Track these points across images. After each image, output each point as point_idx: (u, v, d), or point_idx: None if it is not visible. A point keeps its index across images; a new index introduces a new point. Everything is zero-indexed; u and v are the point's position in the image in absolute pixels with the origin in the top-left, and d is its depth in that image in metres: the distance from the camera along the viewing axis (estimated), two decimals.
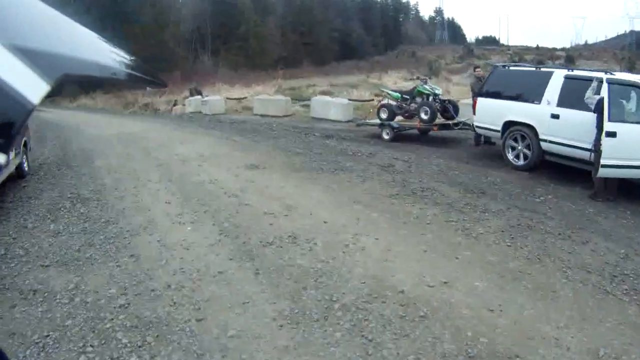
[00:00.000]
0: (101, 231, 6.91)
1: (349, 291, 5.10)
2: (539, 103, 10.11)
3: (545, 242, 6.60)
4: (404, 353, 4.09)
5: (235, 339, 4.31)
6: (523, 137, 10.47)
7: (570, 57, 46.47)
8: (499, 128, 10.97)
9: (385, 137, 14.23)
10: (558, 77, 10.03)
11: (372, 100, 20.72)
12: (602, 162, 8.19)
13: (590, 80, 8.96)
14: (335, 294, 5.04)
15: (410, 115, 14.56)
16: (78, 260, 5.94)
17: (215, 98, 24.40)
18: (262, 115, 20.73)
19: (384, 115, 14.45)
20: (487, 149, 12.73)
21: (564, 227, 7.16)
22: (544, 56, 46.86)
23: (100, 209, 7.85)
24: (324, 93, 25.14)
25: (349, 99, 21.15)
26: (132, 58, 1.04)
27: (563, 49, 64.63)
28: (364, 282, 5.27)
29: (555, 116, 9.76)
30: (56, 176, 10.11)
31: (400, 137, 14.22)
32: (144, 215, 7.53)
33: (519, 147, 10.59)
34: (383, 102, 15.11)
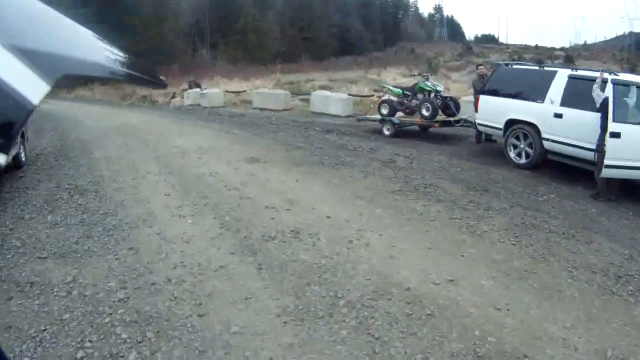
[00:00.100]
0: (99, 223, 6.82)
1: (354, 288, 5.03)
2: (542, 102, 10.06)
3: (549, 241, 6.56)
4: (412, 352, 4.03)
5: (238, 336, 4.23)
6: (525, 136, 10.42)
7: (569, 56, 46.46)
8: (501, 126, 10.92)
9: (386, 132, 14.16)
10: (562, 77, 9.98)
11: (372, 95, 20.61)
12: (606, 162, 8.16)
13: (594, 80, 8.90)
14: (340, 290, 4.97)
15: (411, 111, 14.50)
16: (76, 253, 5.85)
17: (214, 91, 24.29)
18: (261, 109, 20.64)
19: (385, 111, 14.39)
20: (488, 146, 12.67)
21: (568, 227, 7.12)
22: (543, 55, 46.84)
23: (98, 201, 7.76)
24: (322, 88, 25.08)
25: (349, 94, 21.05)
26: (131, 58, 1.05)
27: (562, 49, 64.52)
28: (369, 279, 5.21)
29: (558, 115, 9.72)
30: (54, 167, 10.01)
31: (400, 133, 14.14)
32: (143, 208, 7.44)
33: (521, 146, 10.54)
34: (384, 97, 15.01)
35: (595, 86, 8.58)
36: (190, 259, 5.68)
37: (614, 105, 8.19)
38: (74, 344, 4.07)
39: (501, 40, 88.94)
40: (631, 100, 8.48)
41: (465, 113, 13.84)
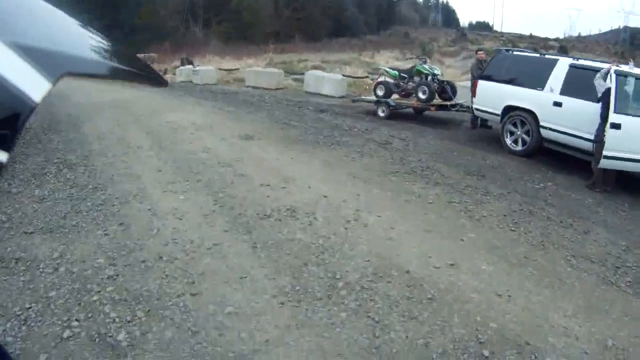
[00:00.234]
0: (88, 198, 6.62)
1: (352, 269, 4.94)
2: (542, 90, 9.96)
3: (547, 229, 6.52)
4: (413, 336, 3.95)
5: (233, 316, 4.12)
6: (523, 123, 10.33)
7: (563, 47, 46.38)
8: (499, 112, 10.82)
9: (381, 114, 14.02)
10: (563, 65, 9.88)
11: (367, 77, 20.46)
12: (605, 153, 8.09)
13: (595, 70, 8.81)
14: (338, 271, 4.87)
15: (407, 94, 14.37)
16: (64, 228, 5.66)
17: (207, 68, 24.03)
18: (253, 87, 20.41)
19: (380, 93, 14.21)
20: (484, 132, 12.59)
21: (565, 216, 7.09)
22: (537, 45, 46.64)
23: (87, 175, 7.54)
24: (315, 68, 24.85)
25: (343, 75, 20.88)
26: (133, 57, 1.09)
27: (556, 39, 64.39)
28: (368, 260, 5.12)
29: (557, 104, 9.63)
30: (42, 141, 9.76)
31: (395, 115, 14.00)
32: (134, 183, 7.25)
33: (518, 133, 10.45)
34: (380, 79, 14.84)
35: (598, 75, 8.49)
36: (183, 235, 5.53)
37: (616, 96, 8.11)
38: (60, 322, 3.92)
39: (495, 28, 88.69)
40: (634, 92, 8.43)
41: (461, 98, 13.73)
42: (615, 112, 8.08)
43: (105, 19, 36.49)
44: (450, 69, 26.97)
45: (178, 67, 26.09)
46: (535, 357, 3.89)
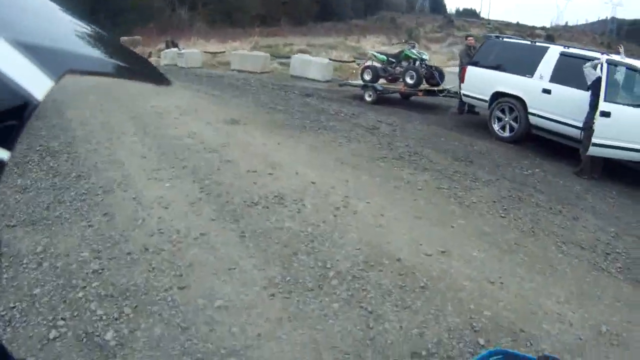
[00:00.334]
0: (72, 187, 6.42)
1: (343, 258, 4.86)
2: (531, 77, 9.93)
3: (537, 215, 6.52)
4: (407, 326, 3.89)
5: (223, 310, 4.01)
6: (511, 109, 10.30)
7: (550, 36, 46.44)
8: (487, 98, 10.78)
9: (368, 99, 13.90)
10: (553, 53, 9.86)
11: (353, 61, 20.32)
12: (594, 140, 8.09)
13: (586, 59, 8.79)
14: (329, 260, 4.79)
15: (394, 78, 14.28)
16: (47, 220, 5.47)
17: (192, 51, 23.72)
18: (239, 71, 20.20)
19: (367, 77, 14.09)
20: (471, 118, 12.56)
21: (554, 202, 7.09)
22: (523, 33, 46.69)
23: (70, 163, 7.33)
24: (301, 52, 24.62)
25: (330, 59, 20.74)
26: (137, 55, 1.06)
27: (543, 28, 64.47)
28: (359, 249, 5.05)
29: (546, 91, 9.61)
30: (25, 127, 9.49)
31: (381, 100, 13.89)
32: (118, 171, 7.05)
33: (506, 119, 10.42)
34: (367, 63, 14.72)
35: (589, 64, 8.46)
36: (169, 225, 5.39)
37: (607, 85, 8.11)
38: (45, 322, 3.75)
39: (482, 15, 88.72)
40: (623, 81, 8.44)
41: (448, 83, 13.68)
42: (605, 100, 8.07)
43: (90, 1, 35.91)
44: (437, 55, 26.93)
45: (163, 49, 25.69)
46: (531, 343, 3.87)
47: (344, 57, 23.68)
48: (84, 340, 3.60)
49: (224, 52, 24.91)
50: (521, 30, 54.87)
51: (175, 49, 24.54)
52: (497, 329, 3.96)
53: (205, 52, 24.80)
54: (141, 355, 3.50)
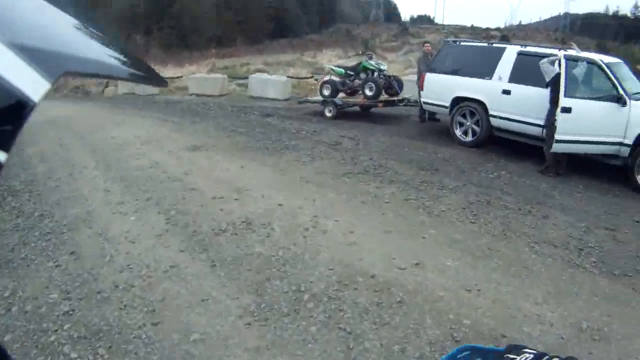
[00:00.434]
0: (36, 226, 6.21)
1: (317, 279, 4.77)
2: (490, 78, 10.00)
3: (507, 217, 6.54)
4: (388, 343, 3.82)
5: (200, 344, 3.88)
6: (472, 113, 10.35)
7: (505, 36, 47.44)
8: (448, 104, 10.81)
9: (328, 114, 13.82)
10: (511, 53, 9.96)
11: (311, 77, 20.33)
12: (557, 137, 8.17)
13: (543, 57, 8.87)
14: (302, 283, 4.70)
15: (353, 91, 14.25)
16: (12, 262, 5.27)
17: None
18: (197, 95, 19.97)
19: (326, 92, 14.03)
20: (432, 125, 12.63)
21: (522, 203, 7.13)
22: (478, 35, 47.61)
23: (33, 202, 7.11)
24: (258, 71, 24.51)
25: (288, 77, 20.70)
26: (132, 56, 1.05)
27: (497, 29, 65.85)
28: (332, 269, 4.96)
29: (506, 92, 9.69)
30: None
31: (342, 114, 13.84)
32: (82, 206, 6.86)
33: (468, 123, 10.47)
34: (326, 78, 14.70)
35: (545, 60, 8.54)
36: (137, 260, 5.23)
37: (566, 80, 8.20)
38: None
39: (437, 20, 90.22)
40: (582, 75, 8.55)
41: (407, 92, 13.73)
42: (565, 96, 8.16)
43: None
44: (394, 64, 27.12)
45: None
46: None
47: (301, 74, 23.68)
48: None
49: (181, 76, 24.68)
50: (476, 32, 55.98)
51: None
52: (478, 337, 3.92)
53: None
54: None
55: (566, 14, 76.11)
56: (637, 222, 6.76)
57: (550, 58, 8.53)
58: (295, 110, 15.51)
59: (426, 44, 14.19)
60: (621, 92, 8.26)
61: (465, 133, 10.56)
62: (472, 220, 6.33)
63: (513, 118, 9.59)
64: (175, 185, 7.55)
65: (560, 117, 8.13)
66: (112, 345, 3.87)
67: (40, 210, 6.73)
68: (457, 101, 10.61)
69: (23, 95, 0.58)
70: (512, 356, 1.07)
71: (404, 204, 6.88)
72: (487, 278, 4.88)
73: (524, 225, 6.31)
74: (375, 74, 13.67)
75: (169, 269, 5.01)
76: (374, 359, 3.68)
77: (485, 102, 10.04)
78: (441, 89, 10.93)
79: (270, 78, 19.64)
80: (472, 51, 11.03)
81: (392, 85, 13.68)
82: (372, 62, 14.00)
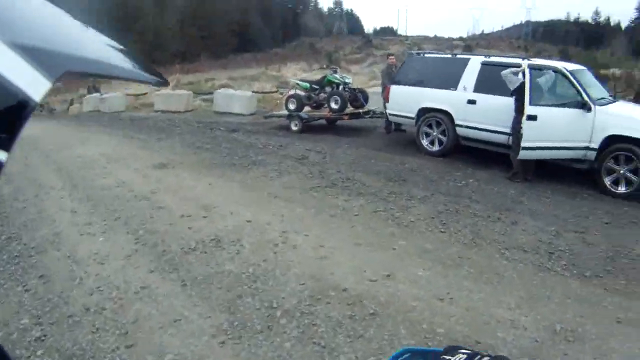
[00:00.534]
0: (3, 250, 6.04)
1: (288, 295, 4.71)
2: (455, 89, 10.11)
3: (476, 225, 6.57)
4: (363, 355, 3.79)
5: None
6: (438, 123, 10.44)
7: (468, 46, 48.20)
8: (414, 115, 10.88)
9: (294, 128, 13.84)
10: (475, 64, 10.09)
11: (276, 91, 20.33)
12: (523, 144, 8.28)
13: (507, 66, 9.00)
14: (274, 299, 4.63)
15: (319, 105, 14.30)
16: None
17: (115, 95, 23.13)
18: (163, 111, 19.82)
19: (292, 106, 14.06)
20: (399, 136, 12.70)
21: (491, 210, 7.18)
22: (442, 46, 48.27)
23: (0, 224, 6.94)
24: (223, 87, 24.43)
25: (253, 91, 20.67)
26: (133, 56, 1.03)
27: (460, 39, 66.89)
28: (303, 284, 4.91)
29: (471, 101, 9.81)
30: None
31: (308, 128, 13.88)
32: (50, 228, 6.71)
33: (434, 134, 10.55)
34: (291, 92, 14.70)
35: (507, 70, 8.65)
36: (107, 282, 5.11)
37: (530, 89, 8.33)
38: None
39: (400, 32, 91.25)
40: (546, 83, 8.69)
41: (372, 104, 13.81)
42: (530, 104, 8.28)
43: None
44: (358, 76, 27.26)
45: (85, 95, 24.99)
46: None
47: (266, 88, 23.71)
48: None
49: (146, 93, 24.45)
50: (439, 43, 56.71)
51: (97, 94, 23.91)
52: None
53: (127, 94, 24.26)
54: None
55: (528, 22, 77.73)
56: (606, 223, 6.86)
57: (512, 69, 8.65)
58: (261, 124, 15.50)
59: (390, 57, 14.29)
60: (586, 98, 8.41)
61: (432, 143, 10.64)
62: (442, 230, 6.35)
63: (479, 127, 9.70)
64: (143, 204, 7.44)
65: (525, 124, 8.24)
66: None
67: (8, 233, 6.56)
68: (423, 112, 10.69)
69: (24, 95, 0.58)
70: (447, 357, 1.08)
71: (373, 215, 6.88)
72: (459, 286, 4.88)
73: (494, 232, 6.35)
74: (341, 87, 13.76)
75: (139, 290, 4.91)
76: None
77: (451, 112, 10.14)
78: (407, 100, 11.00)
79: (235, 93, 19.61)
80: (436, 63, 11.13)
81: (357, 97, 13.78)
82: (337, 76, 14.09)
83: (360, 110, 13.70)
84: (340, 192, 7.92)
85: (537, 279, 5.11)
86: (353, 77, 18.80)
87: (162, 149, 11.61)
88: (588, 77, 9.44)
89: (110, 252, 5.84)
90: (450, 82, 10.24)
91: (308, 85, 14.51)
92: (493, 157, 9.73)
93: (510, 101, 8.77)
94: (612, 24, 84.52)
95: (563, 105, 8.53)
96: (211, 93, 21.44)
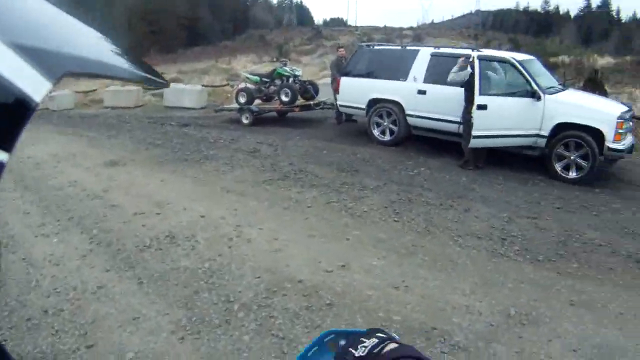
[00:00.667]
0: None
1: (245, 289, 4.70)
2: (405, 80, 10.19)
3: (429, 213, 6.64)
4: None
5: None
6: (389, 114, 10.51)
7: (418, 35, 48.55)
8: (364, 106, 10.94)
9: (245, 121, 13.76)
10: (424, 55, 10.19)
11: (226, 84, 20.14)
12: (474, 133, 8.40)
13: (455, 57, 9.13)
14: (231, 293, 4.61)
15: (269, 98, 14.27)
16: None
17: (63, 92, 22.49)
18: (112, 108, 19.41)
19: (242, 100, 13.97)
20: (350, 126, 12.75)
21: (444, 198, 7.27)
22: (391, 35, 48.48)
23: None
24: (173, 81, 24.06)
25: (202, 85, 20.43)
26: (135, 57, 1.06)
27: (410, 28, 67.30)
28: (259, 277, 4.90)
29: (422, 92, 9.91)
30: None
31: (259, 120, 13.82)
32: (3, 231, 6.53)
33: (385, 124, 10.63)
34: (241, 86, 14.60)
35: (453, 74, 8.75)
36: (64, 283, 5.00)
37: (480, 79, 8.47)
38: None
39: (350, 22, 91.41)
40: (496, 74, 8.87)
41: (323, 96, 13.83)
42: (480, 94, 8.41)
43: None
44: (309, 67, 27.25)
45: None
46: (444, 339, 3.93)
47: (216, 81, 23.43)
48: None
49: (95, 89, 23.88)
50: (389, 33, 56.94)
51: None
52: (409, 332, 3.97)
53: (76, 91, 23.66)
54: None
55: (478, 11, 78.81)
56: (558, 208, 7.02)
57: (455, 69, 8.74)
58: (212, 118, 15.35)
59: (340, 49, 14.29)
60: (535, 87, 8.57)
61: (383, 132, 10.72)
62: (395, 219, 6.41)
63: (430, 116, 9.82)
64: (96, 203, 7.28)
65: (476, 114, 8.37)
66: None
67: None
68: (374, 103, 10.76)
69: (25, 95, 0.58)
70: (364, 339, 1.13)
71: (326, 207, 6.90)
72: (414, 274, 4.94)
73: (447, 219, 6.43)
74: (291, 79, 13.73)
75: (96, 290, 4.82)
76: None
77: (401, 102, 10.22)
78: (357, 91, 11.04)
79: (186, 87, 19.38)
80: (386, 54, 11.17)
81: (307, 89, 13.79)
82: (287, 69, 14.06)
83: (311, 102, 13.73)
84: (292, 184, 7.91)
85: (490, 265, 5.20)
86: (303, 68, 18.82)
87: (112, 146, 11.37)
88: (537, 67, 9.64)
89: (65, 252, 5.72)
90: (400, 73, 10.32)
91: (258, 78, 14.44)
92: (445, 145, 9.85)
93: (459, 91, 8.88)
94: (561, 12, 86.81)
95: (513, 94, 8.69)
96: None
